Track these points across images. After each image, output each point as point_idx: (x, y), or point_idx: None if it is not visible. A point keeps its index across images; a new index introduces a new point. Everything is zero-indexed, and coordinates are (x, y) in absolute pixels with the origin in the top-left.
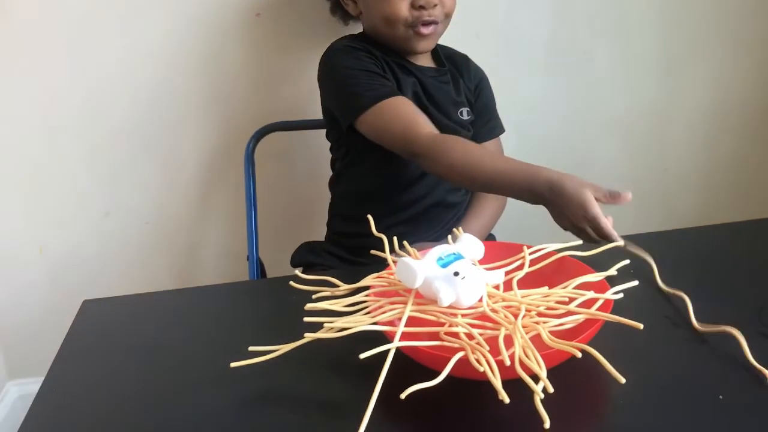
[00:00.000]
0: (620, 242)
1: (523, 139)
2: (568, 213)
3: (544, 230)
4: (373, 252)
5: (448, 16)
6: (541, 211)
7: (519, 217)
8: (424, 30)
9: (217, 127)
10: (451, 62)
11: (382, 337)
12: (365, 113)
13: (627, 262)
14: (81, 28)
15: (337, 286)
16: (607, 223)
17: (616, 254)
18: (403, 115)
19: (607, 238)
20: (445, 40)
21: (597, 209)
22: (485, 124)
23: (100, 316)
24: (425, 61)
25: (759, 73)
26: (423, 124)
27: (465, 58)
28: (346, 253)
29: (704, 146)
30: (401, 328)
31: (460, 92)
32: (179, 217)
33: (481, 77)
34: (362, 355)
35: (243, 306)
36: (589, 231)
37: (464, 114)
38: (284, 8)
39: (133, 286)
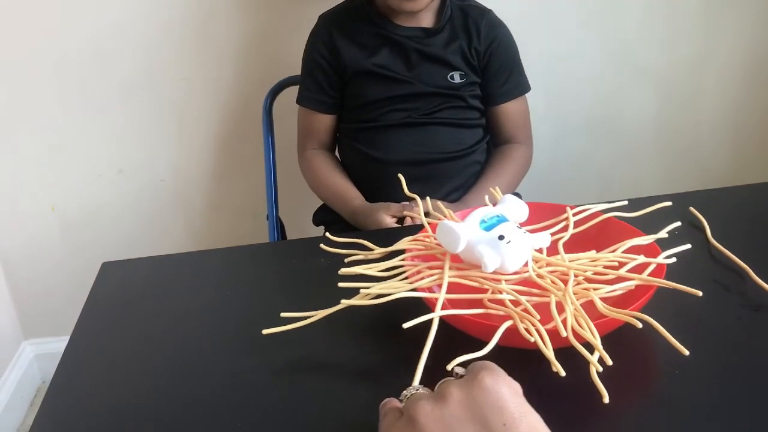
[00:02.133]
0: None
1: (553, 91)
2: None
3: (570, 186)
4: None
5: None
6: (567, 171)
7: (546, 174)
8: None
9: (233, 82)
10: (458, 21)
11: (421, 304)
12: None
13: (678, 224)
14: None
15: (371, 249)
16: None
17: (665, 215)
18: (301, 128)
19: None
20: None
21: (388, 222)
22: (502, 85)
23: (121, 278)
24: (418, 20)
25: None
26: (309, 142)
27: (480, 15)
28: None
29: (737, 99)
30: (443, 295)
31: (456, 54)
32: (195, 175)
33: (495, 37)
34: (405, 325)
35: (270, 269)
36: None
37: (456, 77)
38: None
39: (148, 246)
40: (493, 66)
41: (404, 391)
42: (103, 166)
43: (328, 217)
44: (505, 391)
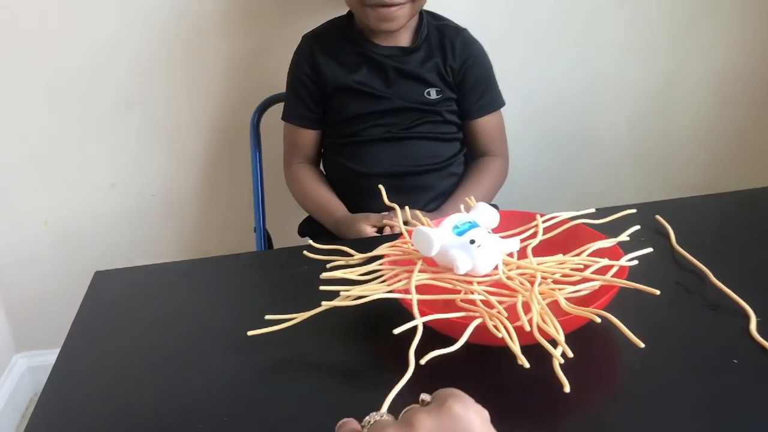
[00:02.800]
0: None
1: (530, 106)
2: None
3: (548, 200)
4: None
5: None
6: (545, 180)
7: (523, 186)
8: (383, 10)
9: (222, 99)
10: (434, 39)
11: (398, 305)
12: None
13: (638, 227)
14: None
15: (351, 256)
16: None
17: (628, 221)
18: (286, 143)
19: None
20: (450, 8)
21: (368, 232)
22: (477, 100)
23: (113, 287)
24: (396, 39)
25: (763, 44)
26: (294, 157)
27: (455, 34)
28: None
29: (708, 115)
30: (415, 296)
31: (432, 72)
32: (185, 190)
33: (469, 54)
34: (396, 331)
35: (256, 276)
36: None
37: (432, 94)
38: None
39: (139, 259)
40: (468, 82)
41: (367, 417)
42: (96, 180)
43: (312, 228)
44: (475, 417)
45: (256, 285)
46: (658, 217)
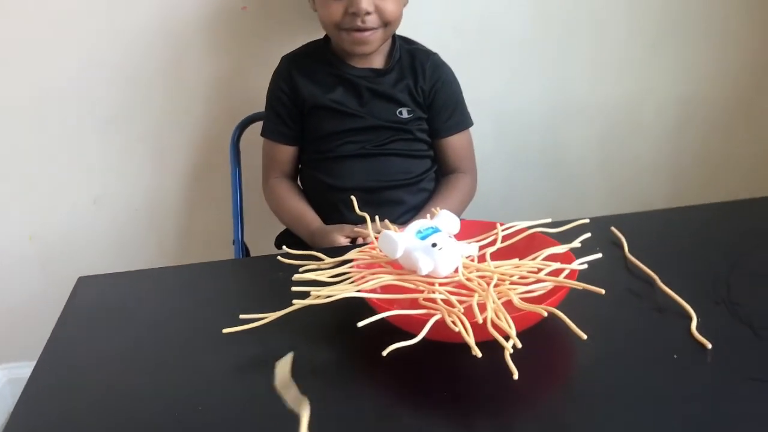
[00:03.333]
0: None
1: (500, 128)
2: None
3: (518, 216)
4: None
5: (389, 24)
6: (517, 199)
7: (495, 203)
8: (356, 35)
9: (204, 117)
10: (406, 62)
11: (366, 304)
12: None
13: (588, 235)
14: (69, 14)
15: (323, 260)
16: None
17: (582, 231)
18: (265, 159)
19: None
20: (422, 32)
21: (342, 242)
22: (446, 120)
23: (95, 292)
24: (370, 61)
25: (721, 69)
26: (272, 171)
27: (425, 58)
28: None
29: (673, 135)
30: (375, 295)
31: (404, 92)
32: (167, 204)
33: (439, 77)
34: (360, 324)
35: (234, 282)
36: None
37: (404, 113)
38: (271, 1)
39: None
40: (437, 103)
41: None
42: (79, 195)
43: (288, 240)
44: None
45: (232, 289)
46: (612, 228)
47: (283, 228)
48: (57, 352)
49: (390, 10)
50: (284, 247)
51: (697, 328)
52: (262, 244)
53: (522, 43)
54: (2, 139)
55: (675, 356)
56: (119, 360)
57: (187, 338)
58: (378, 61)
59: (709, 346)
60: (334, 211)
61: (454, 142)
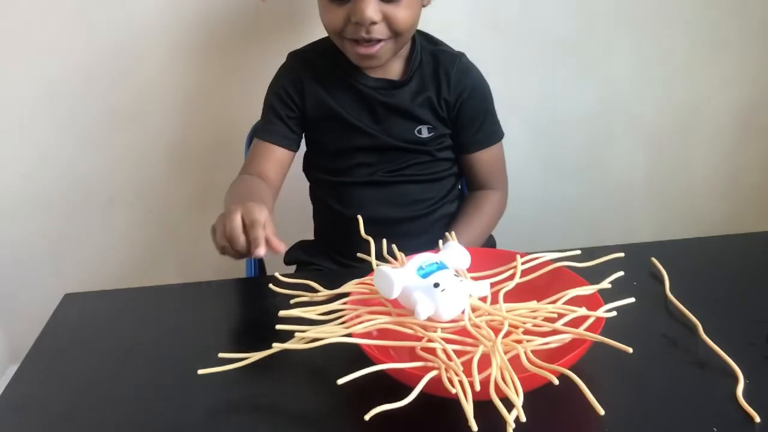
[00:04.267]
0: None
1: (536, 136)
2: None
3: (555, 235)
4: (360, 255)
5: (400, 33)
6: (554, 215)
7: (528, 220)
8: (361, 50)
9: (221, 116)
10: (428, 68)
11: (357, 348)
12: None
13: (621, 274)
14: (84, 14)
15: (318, 291)
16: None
17: (620, 264)
18: (250, 155)
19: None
20: (458, 30)
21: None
22: (474, 134)
23: (79, 310)
24: (385, 70)
25: None
26: (248, 166)
27: (451, 62)
28: (336, 254)
29: (729, 149)
30: (366, 341)
31: (424, 107)
32: (182, 208)
33: (466, 86)
34: (340, 381)
35: (222, 306)
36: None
37: (423, 132)
38: None
39: (137, 275)
40: (464, 116)
41: None
42: (93, 194)
43: (301, 256)
44: None
45: (219, 316)
46: (653, 259)
47: (294, 242)
48: (31, 372)
49: (401, 19)
50: (276, 274)
51: (744, 394)
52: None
53: (563, 42)
54: (17, 133)
55: (715, 429)
56: (90, 388)
57: (162, 371)
58: (395, 69)
59: (758, 419)
60: (345, 241)
61: (483, 157)
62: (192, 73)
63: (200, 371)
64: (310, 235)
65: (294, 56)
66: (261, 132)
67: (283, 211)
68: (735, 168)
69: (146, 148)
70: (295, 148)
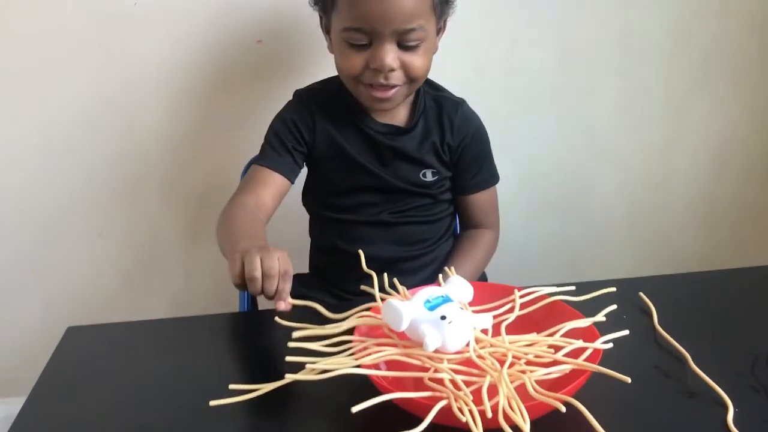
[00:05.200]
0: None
1: (520, 174)
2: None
3: (538, 268)
4: (363, 288)
5: (415, 80)
6: (538, 252)
7: (514, 254)
8: (378, 94)
9: (214, 154)
10: (432, 114)
11: (365, 379)
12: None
13: (614, 307)
14: (82, 50)
15: (324, 322)
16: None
17: (611, 297)
18: (248, 180)
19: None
20: (448, 74)
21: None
22: (472, 177)
23: (83, 344)
24: (392, 116)
25: (759, 113)
26: (246, 191)
27: (454, 109)
28: (333, 287)
29: (706, 184)
30: (376, 371)
31: (429, 153)
32: (174, 242)
33: (467, 132)
34: (354, 409)
35: (228, 339)
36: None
37: (428, 175)
38: (286, 35)
39: (127, 309)
40: (465, 160)
41: None
42: (83, 229)
43: (298, 290)
44: None
45: (226, 349)
46: (641, 294)
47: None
48: (37, 407)
49: (417, 66)
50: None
51: (734, 421)
52: None
53: (548, 87)
54: (9, 167)
55: None
56: (97, 423)
57: (172, 404)
58: (401, 115)
59: None
60: (345, 274)
61: (479, 199)
62: (186, 111)
63: (212, 402)
64: (305, 269)
65: (305, 93)
66: (263, 159)
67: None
68: (711, 205)
69: (137, 184)
70: (293, 179)
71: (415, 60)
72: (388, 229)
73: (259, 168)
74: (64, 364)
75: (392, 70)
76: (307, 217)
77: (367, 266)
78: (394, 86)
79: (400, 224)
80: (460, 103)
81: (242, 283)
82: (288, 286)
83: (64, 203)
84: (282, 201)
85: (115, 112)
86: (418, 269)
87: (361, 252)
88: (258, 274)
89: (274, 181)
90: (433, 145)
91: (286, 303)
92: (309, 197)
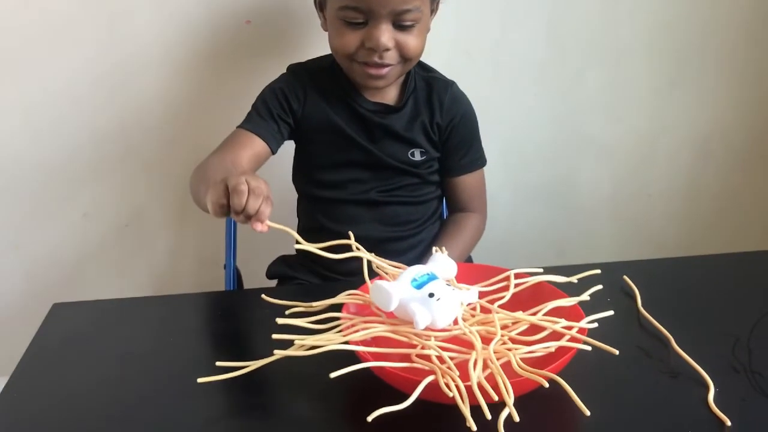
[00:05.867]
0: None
1: (506, 160)
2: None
3: (524, 254)
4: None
5: (409, 59)
6: (523, 237)
7: (500, 240)
8: (372, 71)
9: (200, 133)
10: (421, 95)
11: (354, 357)
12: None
13: (600, 287)
14: (67, 29)
15: (310, 300)
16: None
17: (596, 280)
18: (227, 142)
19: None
20: (436, 56)
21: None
22: (460, 159)
23: (69, 320)
24: (382, 94)
25: (742, 103)
26: (222, 152)
27: (444, 89)
28: (321, 267)
29: (688, 173)
30: (364, 348)
31: (418, 132)
32: (159, 222)
33: (457, 112)
34: (332, 375)
35: (215, 317)
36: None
37: (416, 155)
38: (275, 16)
39: (111, 289)
40: (453, 141)
41: None
42: (68, 208)
43: (284, 271)
44: None
45: (212, 327)
46: (625, 277)
47: (277, 256)
48: (22, 384)
49: (412, 46)
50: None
51: (715, 400)
52: (256, 269)
53: (535, 73)
54: None
55: None
56: (84, 399)
57: (159, 381)
58: (391, 94)
59: (729, 423)
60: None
61: (466, 181)
62: (172, 92)
63: (200, 380)
64: (292, 250)
65: (299, 67)
66: (247, 123)
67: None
68: (693, 193)
69: (123, 164)
70: (275, 148)
71: (410, 40)
72: (376, 209)
73: (240, 131)
74: (49, 341)
75: (387, 49)
76: (294, 199)
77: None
78: (388, 65)
79: (387, 204)
80: (450, 84)
81: (225, 205)
82: (268, 211)
83: (50, 182)
84: (259, 170)
85: (100, 91)
86: (405, 251)
87: (351, 233)
88: (245, 188)
89: (254, 144)
90: (423, 125)
91: (263, 224)
92: (297, 176)
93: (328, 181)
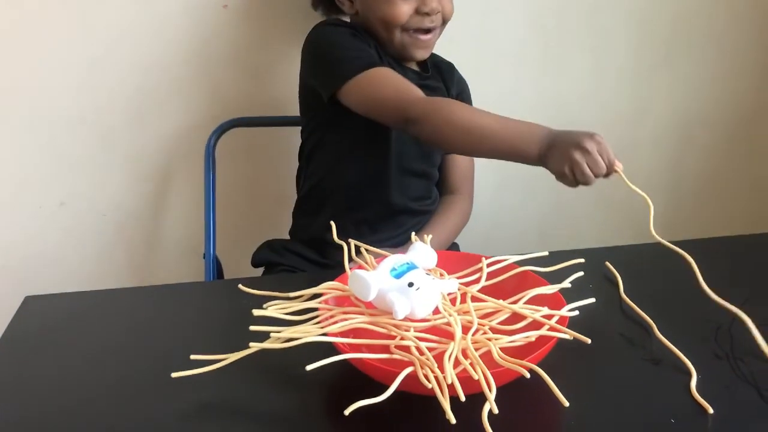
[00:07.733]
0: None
1: None
2: (564, 149)
3: (509, 237)
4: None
5: (445, 23)
6: (508, 222)
7: (484, 225)
8: (423, 37)
9: (179, 121)
10: (437, 70)
11: (332, 348)
12: (353, 80)
13: (581, 274)
14: (40, 16)
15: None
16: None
17: (577, 266)
18: (394, 82)
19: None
20: None
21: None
22: None
23: (42, 313)
24: (412, 66)
25: (725, 87)
26: (416, 90)
27: (450, 67)
28: (310, 251)
29: (671, 156)
30: (342, 339)
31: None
32: (137, 211)
33: (462, 90)
34: (308, 367)
35: (192, 308)
36: (583, 167)
37: None
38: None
39: (89, 280)
40: None
41: None
42: (44, 197)
43: (271, 257)
44: None
45: (191, 318)
46: (607, 263)
47: (259, 243)
48: None
49: (448, 9)
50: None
51: (697, 387)
52: (238, 258)
53: (517, 55)
54: None
55: (672, 420)
56: (56, 394)
57: (133, 375)
58: (415, 67)
59: (711, 410)
60: (324, 236)
61: (459, 161)
62: (150, 79)
63: (174, 374)
64: (276, 235)
65: (352, 26)
66: (366, 63)
67: (252, 212)
68: (675, 178)
69: (100, 152)
70: None
71: (447, 3)
72: (399, 178)
73: (379, 71)
74: (21, 334)
75: (438, 12)
76: (293, 199)
77: (369, 216)
78: (434, 29)
79: (413, 175)
80: (451, 64)
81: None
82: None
83: (25, 171)
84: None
85: (76, 78)
86: (410, 227)
87: (332, 223)
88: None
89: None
90: (443, 93)
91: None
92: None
93: (363, 138)
